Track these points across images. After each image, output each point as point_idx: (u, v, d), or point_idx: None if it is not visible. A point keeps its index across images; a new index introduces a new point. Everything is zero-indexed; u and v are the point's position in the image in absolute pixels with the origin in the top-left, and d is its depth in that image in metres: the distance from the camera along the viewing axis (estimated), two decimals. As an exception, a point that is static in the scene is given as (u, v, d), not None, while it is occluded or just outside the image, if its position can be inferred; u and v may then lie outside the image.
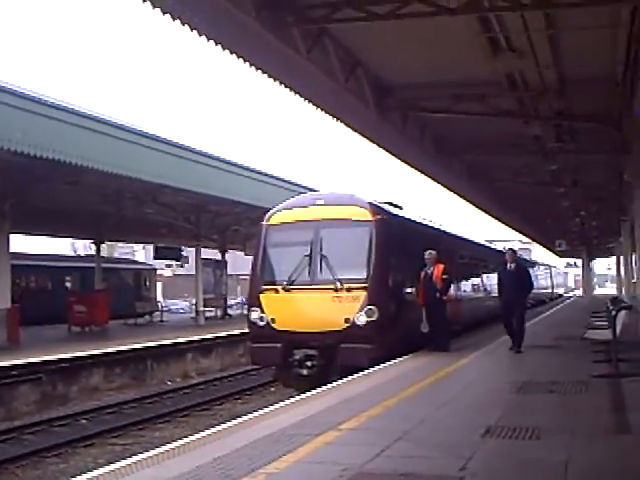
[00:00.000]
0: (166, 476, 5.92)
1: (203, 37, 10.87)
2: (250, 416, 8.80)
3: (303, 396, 10.27)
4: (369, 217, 14.57)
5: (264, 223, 15.50)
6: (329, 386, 11.13)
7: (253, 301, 14.91)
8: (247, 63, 12.06)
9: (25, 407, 16.20)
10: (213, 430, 7.99)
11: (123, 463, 6.55)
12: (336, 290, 13.95)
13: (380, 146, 18.77)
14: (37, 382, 16.72)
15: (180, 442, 7.39)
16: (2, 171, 21.23)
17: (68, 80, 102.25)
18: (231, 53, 11.49)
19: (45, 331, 27.55)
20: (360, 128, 17.11)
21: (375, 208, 15.04)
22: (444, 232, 22.16)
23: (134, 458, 6.74)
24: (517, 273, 15.51)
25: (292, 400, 9.97)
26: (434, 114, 16.93)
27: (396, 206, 17.81)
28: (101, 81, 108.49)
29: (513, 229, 47.88)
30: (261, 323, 14.43)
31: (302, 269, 14.41)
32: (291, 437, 7.30)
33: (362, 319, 13.71)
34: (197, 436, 7.71)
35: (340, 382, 11.47)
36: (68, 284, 39.53)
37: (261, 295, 14.60)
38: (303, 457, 6.49)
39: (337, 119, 15.98)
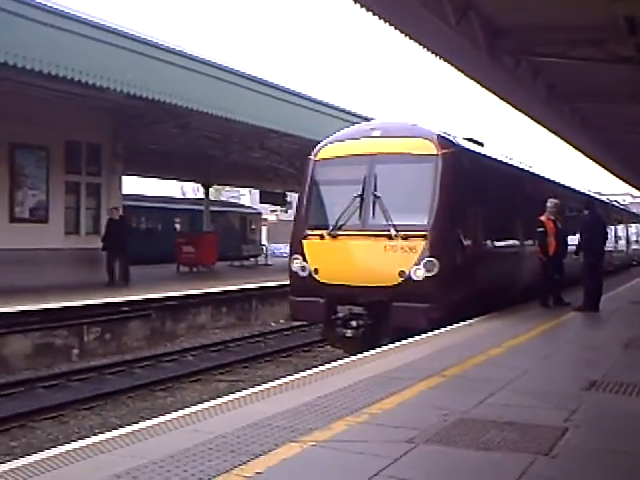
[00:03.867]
0: (274, 411, 6.09)
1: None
2: (352, 359, 8.90)
3: (403, 342, 10.20)
4: (434, 151, 12.41)
5: (311, 158, 13.66)
6: (424, 336, 10.83)
7: (295, 248, 13.17)
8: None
9: (135, 342, 16.83)
10: (316, 370, 8.13)
11: (232, 397, 6.76)
12: (390, 238, 12.05)
13: (489, 90, 18.28)
14: (146, 318, 17.33)
15: (285, 380, 7.56)
16: (114, 113, 21.91)
17: (173, 23, 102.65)
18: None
19: (154, 270, 28.44)
20: (470, 71, 16.68)
21: (442, 140, 12.76)
22: (537, 176, 19.87)
23: (243, 393, 6.94)
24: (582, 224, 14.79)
25: (392, 346, 9.97)
26: (547, 59, 16.36)
27: (476, 142, 15.55)
28: (207, 24, 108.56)
29: (625, 182, 46.20)
30: (303, 274, 12.82)
31: (351, 212, 12.58)
32: (394, 380, 7.37)
33: (419, 273, 11.85)
34: (301, 374, 7.86)
35: (436, 332, 11.19)
36: (177, 225, 40.58)
37: (304, 241, 12.95)
38: (406, 400, 6.54)
39: (446, 61, 15.62)
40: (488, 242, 14.09)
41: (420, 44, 14.48)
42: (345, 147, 13.34)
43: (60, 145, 20.92)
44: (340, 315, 12.28)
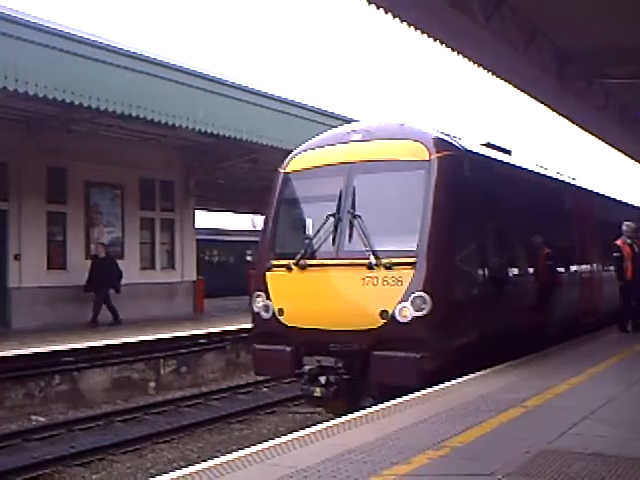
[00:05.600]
0: (354, 444, 6.05)
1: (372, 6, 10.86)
2: (430, 390, 8.76)
3: (483, 372, 9.84)
4: (425, 155, 9.74)
5: (280, 170, 11.21)
6: (507, 364, 10.31)
7: (258, 282, 10.52)
8: (419, 32, 11.99)
9: (211, 374, 16.97)
10: (396, 402, 8.02)
11: (307, 431, 6.73)
12: (370, 267, 9.43)
13: (560, 115, 18.12)
14: (222, 350, 17.47)
15: (364, 412, 7.48)
16: (186, 150, 22.37)
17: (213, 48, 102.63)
18: (408, 25, 11.46)
19: (228, 302, 28.73)
20: (540, 97, 16.56)
21: (438, 142, 10.03)
22: (581, 189, 16.74)
23: (318, 426, 6.91)
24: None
25: (472, 376, 9.75)
26: (619, 80, 16.11)
27: (500, 149, 12.85)
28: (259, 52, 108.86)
29: None
30: (265, 315, 10.24)
31: (324, 236, 10.05)
32: (474, 412, 7.23)
33: (406, 312, 9.15)
34: (380, 407, 7.78)
35: (517, 361, 10.65)
36: (249, 258, 40.99)
37: (268, 274, 10.37)
38: (487, 432, 6.42)
39: (516, 87, 15.54)
40: (504, 270, 11.25)
41: (486, 69, 14.43)
42: (319, 155, 10.79)
43: (134, 183, 21.42)
44: (306, 369, 9.73)
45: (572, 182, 16.55)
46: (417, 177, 9.68)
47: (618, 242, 14.31)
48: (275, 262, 10.36)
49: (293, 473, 5.26)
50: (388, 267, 9.32)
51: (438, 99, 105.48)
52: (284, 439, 6.45)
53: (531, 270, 12.44)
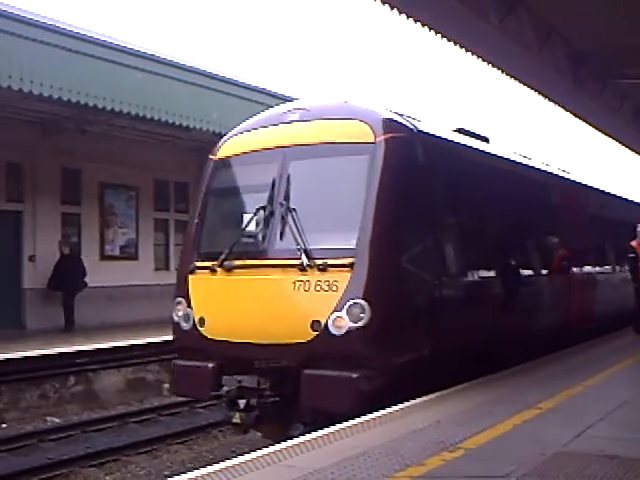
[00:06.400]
0: (368, 446, 6.04)
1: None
2: (442, 393, 8.69)
3: (495, 375, 9.55)
4: (370, 137, 8.36)
5: (211, 157, 9.70)
6: (521, 366, 10.06)
7: (179, 287, 9.15)
8: (433, 32, 11.95)
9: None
10: (409, 403, 7.99)
11: (322, 433, 6.73)
12: (302, 269, 8.03)
13: (576, 116, 18.01)
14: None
15: (378, 413, 7.45)
16: (200, 151, 22.32)
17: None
18: (422, 26, 11.42)
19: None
20: (554, 97, 16.47)
21: (386, 122, 8.61)
22: (571, 182, 15.32)
23: (332, 428, 6.89)
24: None
25: (483, 379, 9.62)
26: (634, 81, 16.02)
27: (474, 136, 11.49)
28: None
29: None
30: (186, 325, 8.83)
31: (253, 233, 8.67)
32: (488, 414, 7.22)
33: (341, 323, 7.73)
34: (393, 408, 7.74)
35: (532, 363, 10.46)
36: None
37: (190, 277, 8.96)
38: (502, 434, 6.41)
39: (529, 88, 15.47)
40: (464, 272, 9.66)
41: (500, 69, 14.37)
42: (253, 139, 9.32)
43: (149, 184, 21.48)
44: (224, 390, 8.21)
45: (562, 175, 15.24)
46: (360, 162, 8.31)
47: (633, 243, 14.27)
48: (199, 263, 8.95)
49: (308, 474, 5.26)
50: (322, 269, 7.92)
51: (444, 95, 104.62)
52: (299, 440, 6.45)
53: (501, 272, 10.77)
